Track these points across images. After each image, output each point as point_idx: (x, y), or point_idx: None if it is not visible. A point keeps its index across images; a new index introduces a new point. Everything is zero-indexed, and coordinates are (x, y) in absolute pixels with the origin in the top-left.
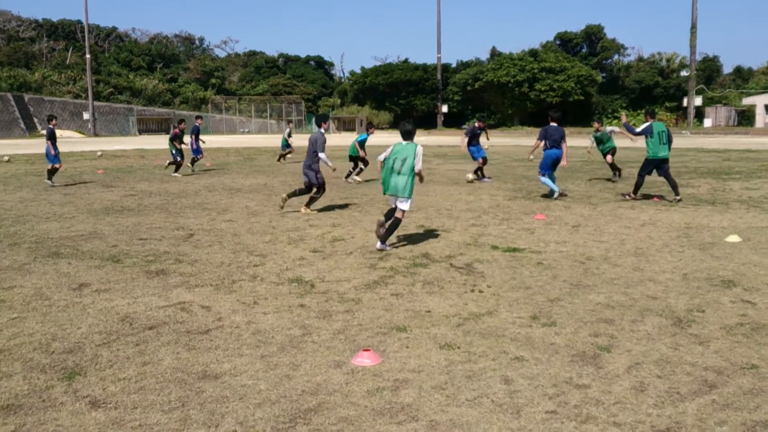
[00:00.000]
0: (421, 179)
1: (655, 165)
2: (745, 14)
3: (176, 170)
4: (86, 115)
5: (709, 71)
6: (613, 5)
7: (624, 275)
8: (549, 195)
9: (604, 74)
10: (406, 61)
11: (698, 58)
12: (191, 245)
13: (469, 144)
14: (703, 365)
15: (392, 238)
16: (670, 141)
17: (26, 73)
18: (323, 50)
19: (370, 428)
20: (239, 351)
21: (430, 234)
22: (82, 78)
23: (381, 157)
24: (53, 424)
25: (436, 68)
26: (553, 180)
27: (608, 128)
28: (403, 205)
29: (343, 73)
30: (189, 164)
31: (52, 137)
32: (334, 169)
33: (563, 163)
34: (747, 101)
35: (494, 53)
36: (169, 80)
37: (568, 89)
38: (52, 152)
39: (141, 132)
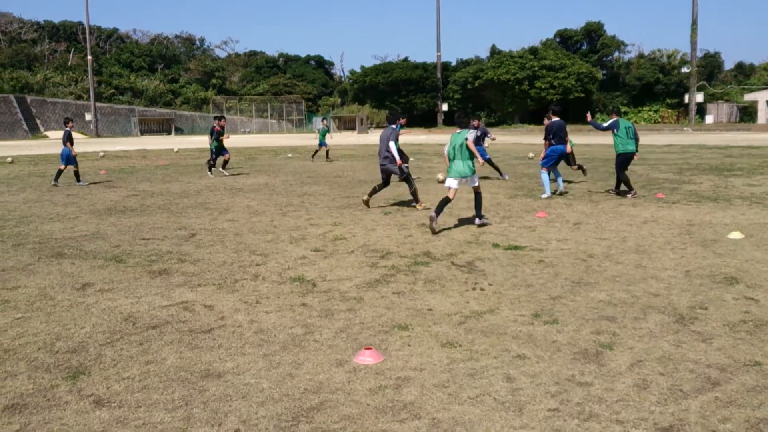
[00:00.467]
0: (475, 156)
1: (627, 159)
2: (747, 10)
3: (211, 168)
4: (88, 116)
5: (710, 67)
6: (612, 2)
7: (626, 272)
8: (562, 193)
9: (604, 71)
10: (406, 59)
11: (699, 54)
12: (193, 245)
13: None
14: (706, 362)
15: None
16: (636, 138)
17: (28, 75)
18: (323, 50)
19: (372, 426)
20: (242, 350)
21: (431, 232)
22: (84, 79)
23: (446, 151)
24: (58, 423)
25: (436, 67)
26: (558, 174)
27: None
28: (474, 182)
29: (343, 73)
30: (209, 163)
31: (69, 139)
32: (400, 165)
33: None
34: (749, 97)
35: (494, 51)
36: (170, 81)
37: (568, 87)
38: (73, 153)
39: (143, 132)
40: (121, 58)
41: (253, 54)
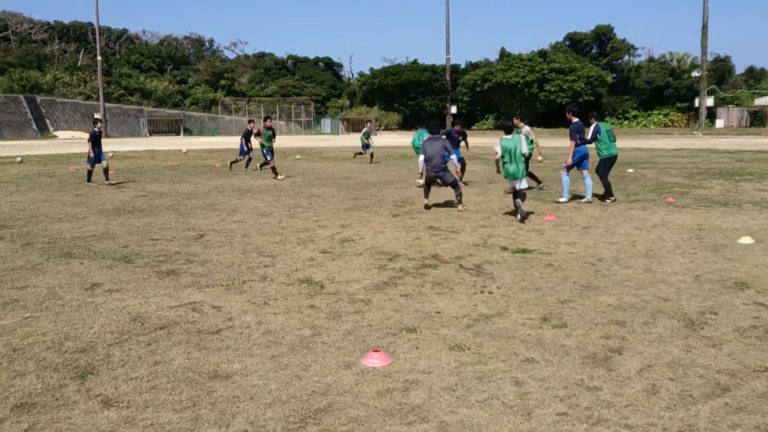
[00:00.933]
0: (528, 158)
1: (611, 163)
2: (757, 14)
3: (247, 164)
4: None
5: (720, 71)
6: (622, 5)
7: (635, 277)
8: (581, 197)
9: (614, 75)
10: (415, 62)
11: (710, 58)
12: (202, 246)
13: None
14: (716, 368)
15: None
16: (615, 139)
17: (38, 75)
18: (332, 51)
19: (380, 429)
20: (250, 351)
21: (439, 235)
22: (93, 80)
23: (498, 155)
24: (66, 422)
25: (445, 69)
26: (589, 184)
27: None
28: (522, 184)
29: (352, 74)
30: (231, 162)
31: (93, 139)
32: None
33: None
34: (759, 102)
35: (503, 54)
36: (179, 82)
37: (578, 90)
38: (92, 154)
39: (152, 133)
40: (131, 59)
41: (261, 55)
